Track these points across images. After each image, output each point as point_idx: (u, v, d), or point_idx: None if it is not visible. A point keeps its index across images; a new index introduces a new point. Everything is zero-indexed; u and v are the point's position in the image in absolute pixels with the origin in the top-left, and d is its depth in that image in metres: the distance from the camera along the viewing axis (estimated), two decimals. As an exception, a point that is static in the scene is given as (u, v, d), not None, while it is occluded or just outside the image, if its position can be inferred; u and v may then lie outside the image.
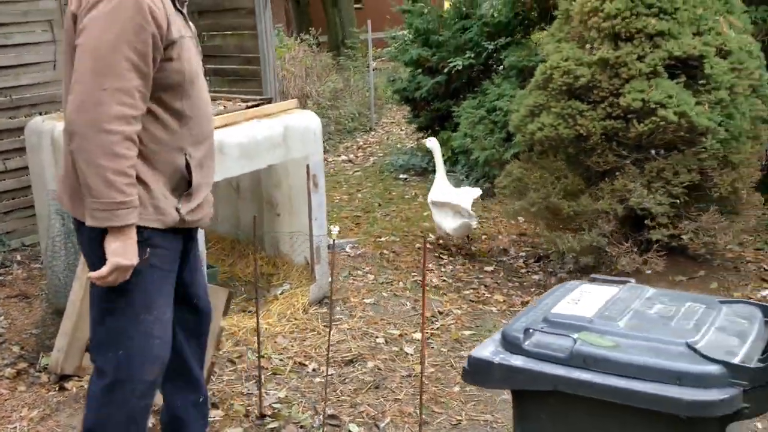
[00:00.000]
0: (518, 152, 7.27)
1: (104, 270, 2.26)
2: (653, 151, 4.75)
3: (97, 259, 2.32)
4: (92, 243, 2.35)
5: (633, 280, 2.11)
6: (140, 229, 2.33)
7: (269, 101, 4.59)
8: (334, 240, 3.30)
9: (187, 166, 2.44)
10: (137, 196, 2.26)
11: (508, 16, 8.29)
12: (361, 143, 11.48)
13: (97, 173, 2.17)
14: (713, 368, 1.57)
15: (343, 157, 10.48)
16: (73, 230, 4.17)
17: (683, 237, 4.82)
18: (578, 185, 5.00)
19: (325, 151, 10.45)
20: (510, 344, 1.75)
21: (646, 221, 4.76)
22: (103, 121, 2.16)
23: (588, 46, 4.89)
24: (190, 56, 2.41)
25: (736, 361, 1.59)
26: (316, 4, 20.70)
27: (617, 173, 4.80)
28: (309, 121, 4.58)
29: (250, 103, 4.48)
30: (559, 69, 4.81)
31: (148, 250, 2.38)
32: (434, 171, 8.19)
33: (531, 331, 1.76)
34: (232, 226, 5.42)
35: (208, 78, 5.50)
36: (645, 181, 4.70)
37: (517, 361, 1.72)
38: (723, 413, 1.53)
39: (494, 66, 8.77)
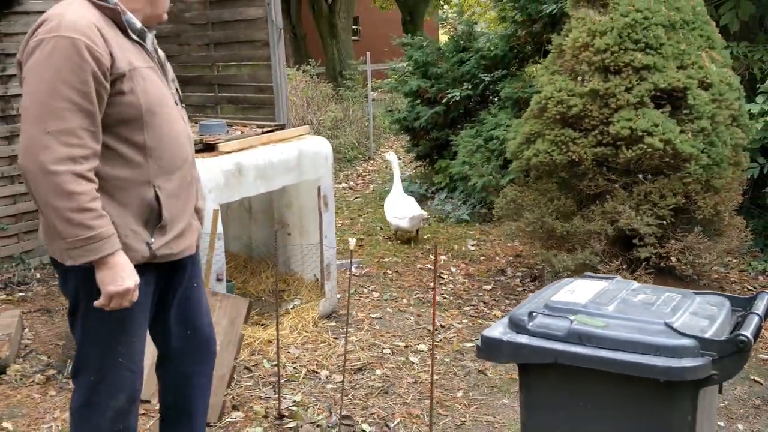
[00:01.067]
0: (514, 178, 7.64)
1: (102, 301, 2.27)
2: (641, 176, 5.08)
3: (88, 294, 2.32)
4: (83, 281, 2.33)
5: (619, 276, 2.43)
6: None
7: (282, 127, 4.91)
8: (351, 251, 3.59)
9: (157, 198, 2.38)
10: (108, 226, 2.22)
11: (504, 50, 8.69)
12: (361, 171, 11.84)
13: (57, 215, 2.16)
14: (687, 341, 1.88)
15: (344, 185, 10.81)
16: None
17: (671, 257, 5.14)
18: (571, 207, 5.33)
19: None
20: (516, 325, 2.06)
21: (634, 241, 5.08)
22: (50, 163, 2.13)
23: (579, 78, 5.24)
24: (148, 87, 2.34)
25: (706, 336, 1.91)
26: (313, 36, 21.19)
27: (607, 196, 5.13)
28: (320, 146, 4.91)
29: (265, 129, 4.81)
30: (553, 99, 5.16)
31: None
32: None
33: (534, 314, 2.07)
34: (245, 244, 5.72)
35: (220, 105, 5.86)
36: (633, 204, 5.02)
37: (522, 339, 2.03)
38: (695, 378, 1.84)
39: (490, 97, 9.17)
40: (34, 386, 4.27)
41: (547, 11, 7.22)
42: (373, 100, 14.49)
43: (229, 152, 4.40)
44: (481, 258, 6.70)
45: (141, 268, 2.36)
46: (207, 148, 4.43)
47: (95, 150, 2.23)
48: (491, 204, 8.16)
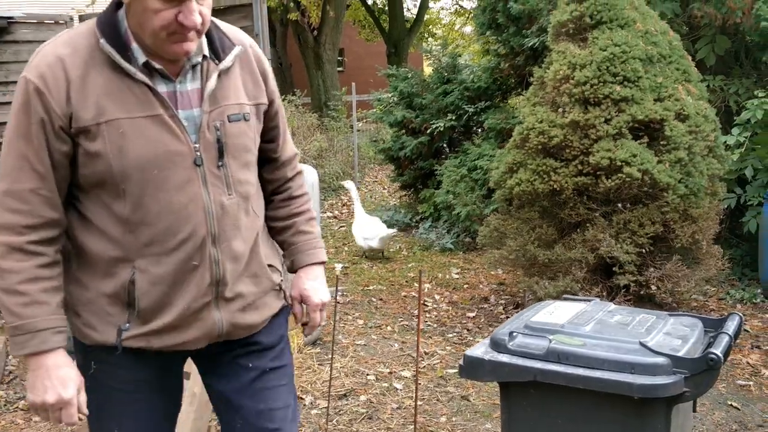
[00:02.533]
0: (497, 207, 7.76)
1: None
2: (620, 205, 5.20)
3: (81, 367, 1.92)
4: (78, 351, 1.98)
5: (598, 299, 2.52)
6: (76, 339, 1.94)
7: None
8: (338, 276, 3.66)
9: (132, 283, 1.84)
10: (42, 317, 1.77)
11: (487, 82, 8.86)
12: (345, 200, 11.93)
13: None
14: (660, 360, 1.97)
15: (329, 214, 10.91)
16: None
17: (651, 285, 5.25)
18: (552, 235, 5.43)
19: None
20: (497, 345, 2.14)
21: (614, 269, 5.18)
22: None
23: (560, 109, 5.38)
24: (128, 145, 1.77)
25: (679, 354, 1.99)
26: (299, 67, 21.41)
27: (588, 225, 5.24)
28: (306, 174, 5.00)
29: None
30: (535, 130, 5.29)
31: (93, 363, 1.94)
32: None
33: (514, 334, 2.15)
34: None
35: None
36: (613, 232, 5.14)
37: (504, 357, 2.11)
38: (668, 395, 1.92)
39: (474, 128, 9.32)
40: (18, 412, 4.28)
41: (529, 45, 7.39)
42: (358, 130, 14.67)
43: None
44: (465, 286, 6.79)
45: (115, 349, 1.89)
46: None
47: (49, 219, 1.80)
48: (475, 233, 8.27)
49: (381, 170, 14.97)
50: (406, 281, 6.96)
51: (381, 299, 6.44)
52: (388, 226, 9.49)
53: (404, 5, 24.64)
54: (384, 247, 7.86)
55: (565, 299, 2.53)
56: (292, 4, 18.28)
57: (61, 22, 6.58)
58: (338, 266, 3.93)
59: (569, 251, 5.26)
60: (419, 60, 28.24)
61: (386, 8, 24.95)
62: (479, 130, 9.26)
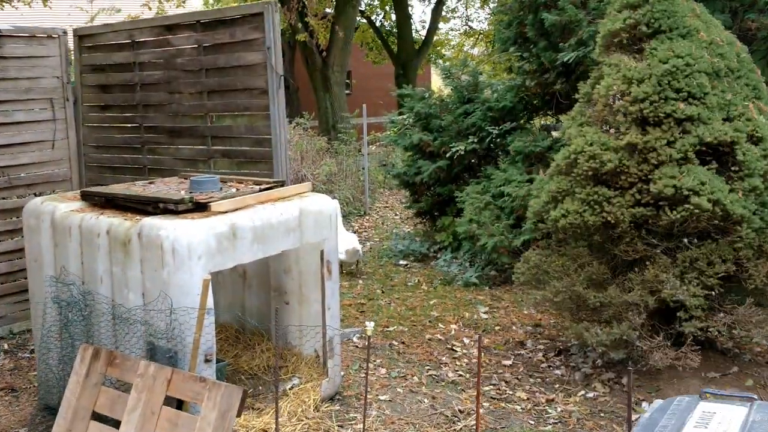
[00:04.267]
0: (530, 239, 7.08)
1: None
2: (686, 240, 4.54)
3: None
4: None
5: (756, 397, 1.83)
6: None
7: (282, 184, 4.35)
8: (369, 337, 2.99)
9: None
10: None
11: (512, 101, 8.21)
12: (356, 227, 11.26)
13: None
14: None
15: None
16: (71, 320, 3.87)
17: (714, 330, 4.56)
18: (604, 274, 4.75)
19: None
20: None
21: (679, 314, 4.49)
22: None
23: (612, 129, 4.73)
24: None
25: None
26: (306, 89, 20.83)
27: (647, 263, 4.56)
28: (324, 204, 4.34)
29: (263, 186, 4.24)
30: (585, 154, 4.63)
31: None
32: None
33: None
34: (237, 313, 5.09)
35: (213, 159, 5.29)
36: (678, 272, 4.46)
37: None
38: None
39: (497, 151, 8.65)
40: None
41: (565, 59, 6.74)
42: (368, 153, 14.03)
43: (223, 212, 3.82)
44: (497, 328, 6.08)
45: None
46: (198, 207, 3.85)
47: None
48: (502, 266, 7.61)
49: (392, 195, 14.31)
50: (430, 321, 6.27)
51: (403, 342, 5.74)
52: (404, 256, 8.90)
53: (413, 26, 24.13)
54: (351, 261, 8.06)
55: (707, 396, 1.84)
56: (299, 26, 17.70)
57: (54, 36, 5.95)
58: (369, 325, 3.26)
59: (625, 293, 4.57)
60: (427, 81, 27.71)
61: (394, 30, 24.44)
62: (502, 153, 8.58)
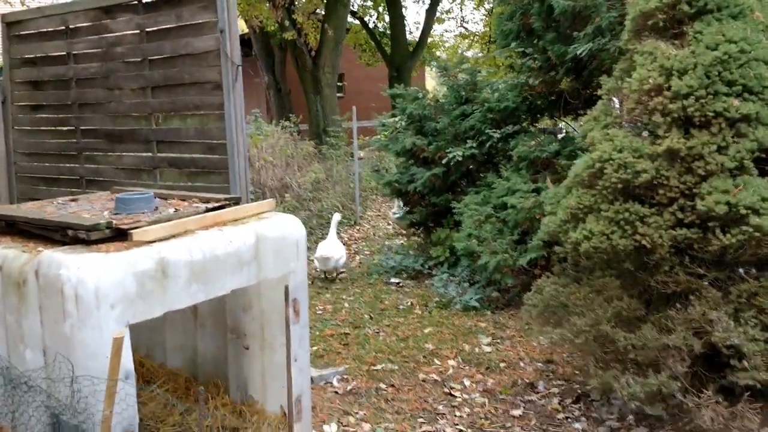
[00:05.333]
0: (537, 257, 6.19)
1: None
2: (741, 270, 3.65)
3: None
4: None
5: None
6: None
7: (237, 202, 3.45)
8: None
9: None
10: None
11: (515, 102, 7.33)
12: (346, 239, 10.37)
13: None
14: None
15: (316, 265, 9.30)
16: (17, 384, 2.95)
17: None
18: (637, 310, 3.87)
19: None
20: None
21: (733, 361, 3.60)
22: None
23: (646, 133, 3.85)
24: None
25: None
26: (298, 91, 19.92)
27: (692, 297, 3.67)
28: (289, 228, 3.44)
29: (210, 205, 3.34)
30: (613, 162, 3.74)
31: None
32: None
33: None
34: (188, 359, 4.18)
35: (159, 169, 4.39)
36: (731, 309, 3.57)
37: None
38: None
39: (498, 156, 7.77)
40: None
41: (578, 52, 5.84)
42: (360, 158, 13.13)
43: (150, 242, 2.91)
44: (502, 365, 5.19)
45: None
46: (119, 234, 2.95)
47: None
48: (505, 286, 6.73)
49: (384, 202, 13.43)
50: (424, 356, 5.37)
51: (393, 385, 4.85)
52: (396, 273, 8.02)
53: (407, 28, 23.26)
54: (326, 269, 7.91)
55: None
56: (287, 23, 16.81)
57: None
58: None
59: (664, 334, 3.68)
60: (422, 84, 26.84)
61: (388, 31, 23.58)
62: (503, 159, 7.69)
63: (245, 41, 22.54)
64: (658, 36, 3.88)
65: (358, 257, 9.31)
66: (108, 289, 2.68)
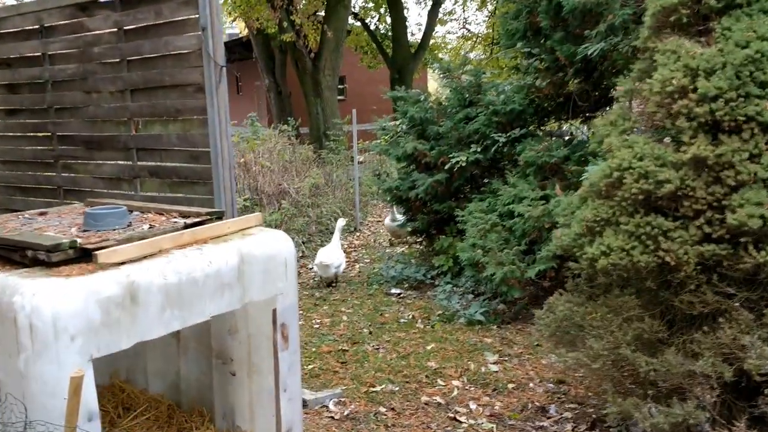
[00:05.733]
0: (546, 269, 5.86)
1: None
2: (776, 290, 3.32)
3: None
4: None
5: None
6: None
7: (220, 216, 3.12)
8: None
9: None
10: None
11: (522, 104, 7.00)
12: (346, 246, 10.02)
13: None
14: None
15: (315, 271, 8.98)
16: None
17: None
18: (660, 333, 3.54)
19: (304, 256, 9.03)
20: None
21: (766, 390, 3.27)
22: None
23: (667, 139, 3.53)
24: None
25: None
26: (298, 94, 19.61)
27: (721, 319, 3.34)
28: (277, 245, 3.12)
29: (189, 220, 3.02)
30: (633, 171, 3.42)
31: None
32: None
33: None
34: (170, 385, 3.85)
35: (140, 179, 4.06)
36: (765, 333, 3.24)
37: None
38: None
39: (503, 162, 7.44)
40: None
41: (590, 52, 5.51)
42: (360, 162, 12.81)
43: (118, 264, 2.59)
44: (510, 385, 4.85)
45: None
46: (83, 255, 2.63)
47: None
48: (512, 299, 6.40)
49: (385, 207, 13.08)
50: (427, 376, 5.04)
51: (393, 409, 4.52)
52: (397, 283, 7.69)
53: (408, 29, 22.93)
54: (326, 276, 7.82)
55: None
56: (285, 24, 16.51)
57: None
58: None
59: (690, 360, 3.35)
60: (424, 86, 26.53)
61: (389, 33, 23.26)
62: (508, 164, 7.36)
63: (245, 43, 22.29)
64: (682, 33, 3.55)
65: (357, 265, 8.98)
66: (68, 319, 2.37)
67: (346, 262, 8.96)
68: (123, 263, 2.60)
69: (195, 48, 3.57)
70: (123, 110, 4.04)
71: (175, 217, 3.14)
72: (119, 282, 2.51)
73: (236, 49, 23.92)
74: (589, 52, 5.51)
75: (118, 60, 3.99)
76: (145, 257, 2.68)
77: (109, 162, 4.21)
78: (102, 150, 4.21)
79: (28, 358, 2.35)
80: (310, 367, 5.23)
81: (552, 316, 3.98)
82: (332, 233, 10.79)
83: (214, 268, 2.79)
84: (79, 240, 2.67)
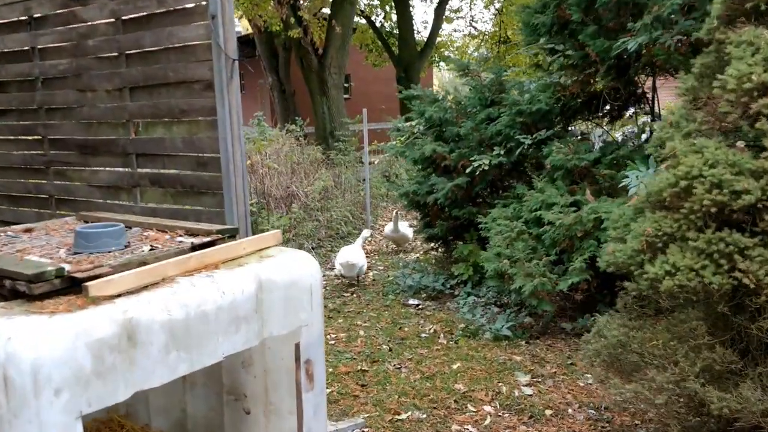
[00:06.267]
0: (579, 281, 5.43)
1: None
2: None
3: None
4: None
5: None
6: None
7: (233, 235, 2.69)
8: None
9: None
10: None
11: (549, 104, 6.57)
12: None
13: None
14: None
15: (337, 271, 8.56)
16: None
17: None
18: (732, 363, 3.10)
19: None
20: None
21: None
22: None
23: (741, 143, 3.10)
24: None
25: None
26: (302, 93, 19.18)
27: (808, 350, 2.91)
28: (301, 269, 2.68)
29: (198, 240, 2.59)
30: (704, 180, 2.98)
31: None
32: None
33: None
34: (175, 423, 3.43)
35: (140, 188, 3.64)
36: None
37: None
38: None
39: (526, 164, 7.01)
40: None
41: (627, 46, 5.07)
42: (370, 163, 12.38)
43: (113, 297, 2.16)
44: (547, 412, 4.42)
45: None
46: (72, 285, 2.20)
47: None
48: (540, 312, 5.97)
49: (395, 209, 12.65)
50: (455, 401, 4.61)
51: (421, 440, 4.09)
52: (414, 293, 7.26)
53: (414, 27, 22.50)
54: (350, 275, 7.76)
55: None
56: (292, 20, 16.07)
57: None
58: None
59: (771, 396, 2.92)
60: (429, 85, 26.09)
61: (395, 31, 22.84)
62: (531, 167, 6.93)
63: (248, 41, 21.86)
64: (759, 22, 3.12)
65: (371, 273, 8.55)
66: (51, 369, 1.94)
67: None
68: (119, 295, 2.18)
69: (203, 39, 3.14)
70: (121, 111, 3.60)
71: (180, 236, 2.71)
72: (114, 319, 2.08)
73: (239, 46, 23.50)
74: (629, 46, 5.06)
75: (115, 54, 3.55)
76: (145, 287, 2.25)
77: (105, 169, 3.78)
78: (98, 155, 3.78)
79: (1, 418, 1.92)
80: (327, 391, 4.80)
81: (602, 342, 3.54)
82: (342, 238, 10.42)
83: (227, 300, 2.35)
84: (67, 267, 2.24)
